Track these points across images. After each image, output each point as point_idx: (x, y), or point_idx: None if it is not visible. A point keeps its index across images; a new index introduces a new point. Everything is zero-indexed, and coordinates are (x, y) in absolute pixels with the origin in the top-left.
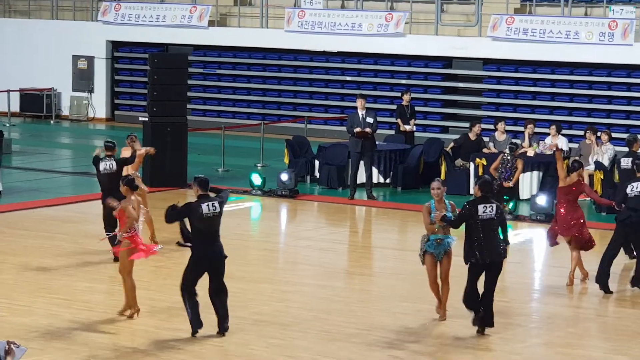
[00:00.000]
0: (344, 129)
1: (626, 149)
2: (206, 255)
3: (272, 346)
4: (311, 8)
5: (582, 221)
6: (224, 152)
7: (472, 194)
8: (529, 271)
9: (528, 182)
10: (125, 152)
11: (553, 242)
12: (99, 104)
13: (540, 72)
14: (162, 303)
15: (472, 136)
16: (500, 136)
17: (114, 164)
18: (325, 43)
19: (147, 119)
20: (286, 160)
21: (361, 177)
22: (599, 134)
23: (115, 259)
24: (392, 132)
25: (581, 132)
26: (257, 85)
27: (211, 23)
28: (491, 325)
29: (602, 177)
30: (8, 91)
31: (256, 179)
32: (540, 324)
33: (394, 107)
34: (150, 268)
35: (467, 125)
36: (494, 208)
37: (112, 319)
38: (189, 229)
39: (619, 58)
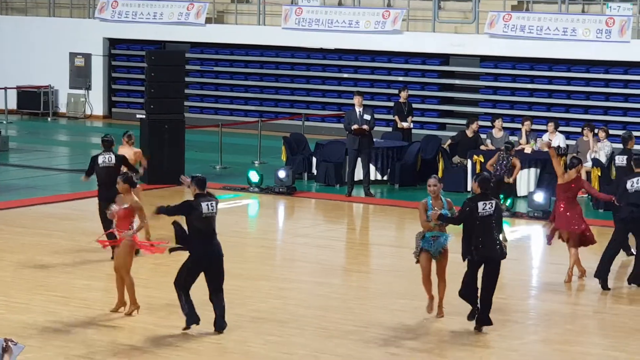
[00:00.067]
0: (341, 126)
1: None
2: (206, 255)
3: (270, 343)
4: (308, 5)
5: (581, 216)
6: (222, 149)
7: (469, 191)
8: (527, 268)
9: (525, 179)
10: (122, 150)
11: (550, 241)
12: (96, 102)
13: (537, 69)
14: (160, 300)
15: (469, 133)
16: (497, 133)
17: (113, 157)
18: (323, 40)
19: (144, 117)
20: (283, 157)
21: (358, 174)
22: (596, 130)
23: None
24: (390, 129)
25: (579, 129)
26: (255, 83)
27: (208, 20)
28: (489, 323)
29: (599, 174)
30: (5, 88)
31: (253, 176)
32: (538, 320)
33: (391, 104)
34: (149, 265)
35: (464, 122)
36: (493, 205)
37: (109, 316)
38: (184, 228)
39: (616, 55)
